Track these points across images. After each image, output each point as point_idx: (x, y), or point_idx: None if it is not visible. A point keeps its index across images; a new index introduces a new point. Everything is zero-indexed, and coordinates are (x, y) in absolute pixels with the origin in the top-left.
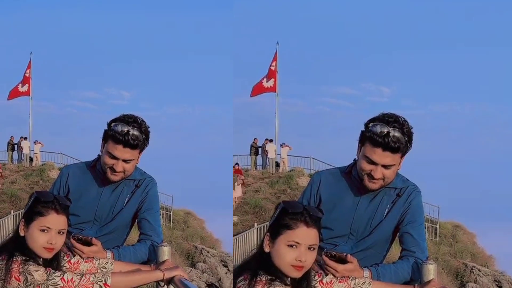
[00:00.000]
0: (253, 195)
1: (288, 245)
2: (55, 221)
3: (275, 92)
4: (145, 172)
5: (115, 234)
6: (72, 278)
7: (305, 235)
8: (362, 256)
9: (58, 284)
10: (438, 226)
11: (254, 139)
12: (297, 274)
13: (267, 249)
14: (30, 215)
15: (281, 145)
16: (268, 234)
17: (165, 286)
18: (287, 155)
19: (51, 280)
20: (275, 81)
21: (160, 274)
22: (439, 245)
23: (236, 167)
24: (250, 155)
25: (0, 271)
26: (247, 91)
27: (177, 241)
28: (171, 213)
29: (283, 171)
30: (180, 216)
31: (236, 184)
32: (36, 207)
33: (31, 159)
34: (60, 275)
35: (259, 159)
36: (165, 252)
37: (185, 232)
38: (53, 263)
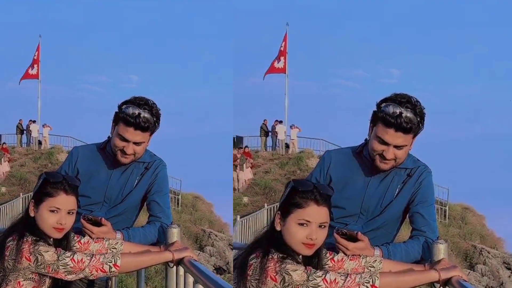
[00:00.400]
0: (263, 176)
1: (298, 224)
2: (64, 201)
3: (285, 73)
4: (154, 155)
5: (124, 216)
6: (82, 259)
7: (315, 213)
8: (373, 236)
9: (68, 265)
10: (447, 208)
11: (264, 121)
12: (308, 252)
13: (278, 228)
14: (39, 196)
15: (290, 126)
16: (279, 212)
17: (174, 267)
18: (297, 136)
19: (61, 260)
20: (285, 62)
21: (169, 255)
22: (448, 227)
23: (246, 149)
24: (260, 136)
25: (11, 251)
26: (258, 72)
27: (185, 224)
28: (180, 197)
29: (293, 153)
30: (189, 200)
31: (245, 166)
32: (45, 188)
33: (39, 143)
34: (70, 255)
35: (269, 140)
36: (175, 233)
37: (193, 216)
38: (63, 243)
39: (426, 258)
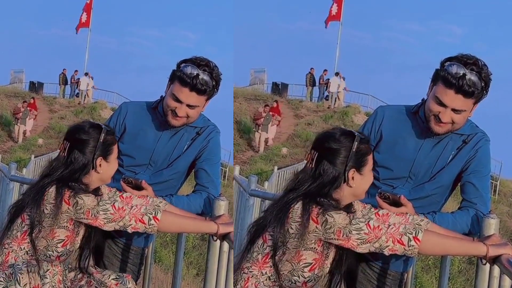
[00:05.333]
0: (305, 128)
1: (371, 170)
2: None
3: (339, 20)
4: (209, 120)
5: (169, 183)
6: (122, 207)
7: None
8: (420, 204)
9: (109, 211)
10: (498, 183)
11: (311, 69)
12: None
13: (353, 184)
14: (107, 148)
15: (342, 78)
16: (354, 170)
17: (218, 241)
18: (343, 89)
19: (101, 206)
20: (339, 9)
21: (214, 227)
22: (498, 204)
23: (275, 105)
24: (305, 85)
25: (49, 194)
26: (314, 20)
27: (230, 199)
28: (227, 170)
29: (339, 106)
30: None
31: (269, 125)
32: (107, 139)
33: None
34: (111, 202)
35: (316, 91)
36: (222, 206)
37: None
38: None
39: (474, 232)
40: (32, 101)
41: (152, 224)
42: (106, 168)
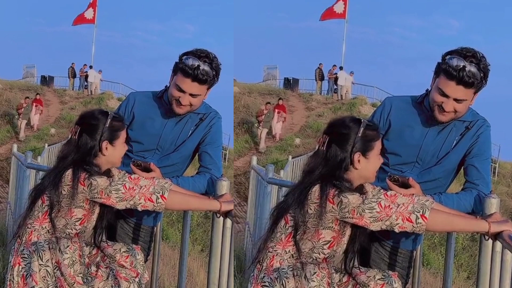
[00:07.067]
0: (316, 119)
1: (379, 154)
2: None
3: (345, 18)
4: (210, 107)
5: (176, 166)
6: (133, 186)
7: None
8: (428, 187)
9: (120, 190)
10: (497, 165)
11: (319, 64)
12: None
13: (358, 166)
14: (113, 132)
15: (350, 73)
16: (360, 153)
17: (222, 219)
18: (351, 83)
19: (113, 186)
20: (345, 6)
21: (217, 205)
22: (497, 185)
23: (280, 102)
24: (315, 80)
25: (66, 177)
26: (317, 15)
27: (231, 180)
28: (227, 152)
29: (347, 98)
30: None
31: (275, 121)
32: (113, 125)
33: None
34: (122, 182)
35: (325, 85)
36: (224, 186)
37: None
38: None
39: (477, 211)
40: (38, 97)
41: (160, 203)
42: (112, 151)
